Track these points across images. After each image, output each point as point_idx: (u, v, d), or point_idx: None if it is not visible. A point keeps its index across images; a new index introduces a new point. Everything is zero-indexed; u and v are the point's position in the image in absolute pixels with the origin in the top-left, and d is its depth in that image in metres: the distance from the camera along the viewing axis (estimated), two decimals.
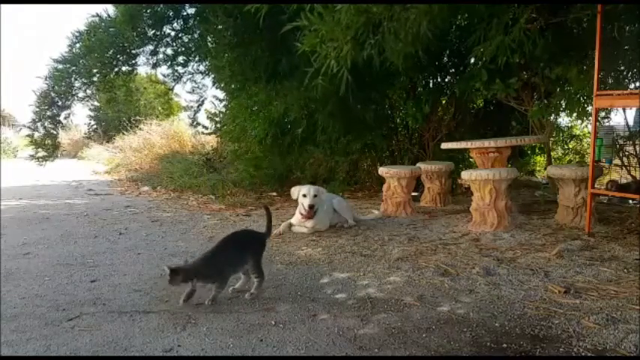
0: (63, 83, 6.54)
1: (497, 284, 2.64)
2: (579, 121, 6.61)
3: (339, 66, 3.16)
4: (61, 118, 7.00)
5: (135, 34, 6.12)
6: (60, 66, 6.50)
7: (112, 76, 6.78)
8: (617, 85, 4.50)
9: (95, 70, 6.40)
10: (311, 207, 3.94)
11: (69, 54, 6.46)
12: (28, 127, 6.93)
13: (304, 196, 4.00)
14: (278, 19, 3.81)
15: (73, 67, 6.46)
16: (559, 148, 7.28)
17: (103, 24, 6.34)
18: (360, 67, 3.75)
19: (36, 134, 7.00)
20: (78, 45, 6.44)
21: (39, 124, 6.91)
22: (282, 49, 5.03)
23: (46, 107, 6.79)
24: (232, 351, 1.94)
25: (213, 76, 7.34)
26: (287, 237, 3.89)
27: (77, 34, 6.44)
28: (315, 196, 3.99)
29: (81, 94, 6.78)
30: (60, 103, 6.80)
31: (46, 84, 6.65)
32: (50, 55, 8.60)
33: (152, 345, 2.00)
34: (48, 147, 7.12)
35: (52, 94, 6.71)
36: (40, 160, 7.19)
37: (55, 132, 7.08)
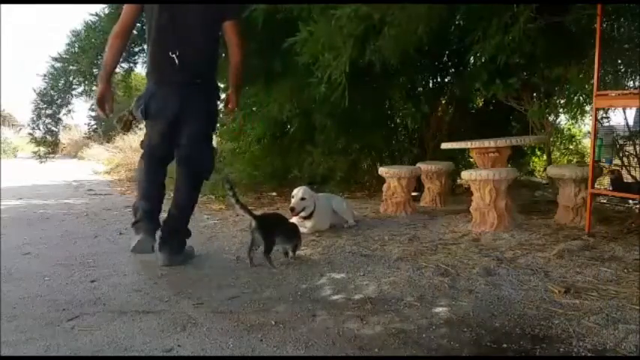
0: (61, 81, 6.56)
1: (498, 284, 2.64)
2: (577, 122, 6.61)
3: (340, 75, 3.16)
4: (61, 115, 7.04)
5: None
6: (58, 64, 6.52)
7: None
8: (617, 85, 4.50)
9: (83, 69, 6.38)
10: (292, 209, 3.88)
11: (67, 53, 6.47)
12: (29, 125, 6.99)
13: (293, 197, 3.98)
14: (272, 19, 3.80)
15: (71, 66, 6.46)
16: (557, 149, 7.26)
17: (102, 23, 6.34)
18: (359, 68, 3.76)
19: (37, 132, 7.05)
20: (76, 44, 6.45)
21: (39, 122, 6.94)
22: (277, 49, 5.02)
23: (46, 106, 6.81)
24: (232, 351, 1.94)
25: None
26: None
27: (75, 33, 6.46)
28: (303, 199, 3.90)
29: (80, 89, 6.78)
30: (59, 102, 6.82)
31: (45, 82, 6.67)
32: (49, 54, 8.63)
33: (152, 345, 2.00)
34: (49, 144, 7.16)
35: (52, 92, 6.73)
36: (42, 157, 7.24)
37: (55, 129, 7.11)
